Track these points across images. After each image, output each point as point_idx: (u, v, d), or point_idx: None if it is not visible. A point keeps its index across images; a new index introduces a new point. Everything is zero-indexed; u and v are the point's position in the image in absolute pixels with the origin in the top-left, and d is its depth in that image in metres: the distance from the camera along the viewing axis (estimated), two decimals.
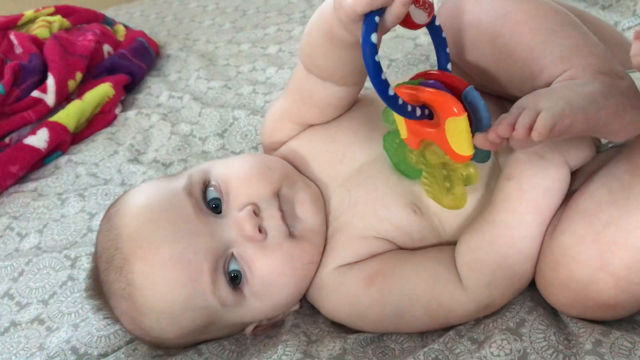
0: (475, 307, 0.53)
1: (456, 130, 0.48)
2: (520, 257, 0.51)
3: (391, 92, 0.46)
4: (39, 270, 0.78)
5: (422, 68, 0.93)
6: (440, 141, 0.50)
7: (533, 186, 0.51)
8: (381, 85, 0.45)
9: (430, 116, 0.50)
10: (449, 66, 0.54)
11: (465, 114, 0.47)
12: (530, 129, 0.44)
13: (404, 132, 0.54)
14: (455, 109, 0.47)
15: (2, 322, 0.73)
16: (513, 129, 0.44)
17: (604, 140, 0.61)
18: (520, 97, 0.57)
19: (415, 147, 0.53)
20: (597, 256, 0.47)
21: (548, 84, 0.51)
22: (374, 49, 0.44)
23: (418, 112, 0.49)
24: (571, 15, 0.55)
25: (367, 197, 0.59)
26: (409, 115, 0.48)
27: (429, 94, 0.49)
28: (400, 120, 0.53)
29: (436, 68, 0.54)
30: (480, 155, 0.51)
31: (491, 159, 0.58)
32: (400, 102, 0.47)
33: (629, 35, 0.80)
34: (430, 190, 0.55)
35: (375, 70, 0.44)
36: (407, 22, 0.48)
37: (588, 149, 0.53)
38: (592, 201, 0.49)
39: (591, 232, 0.48)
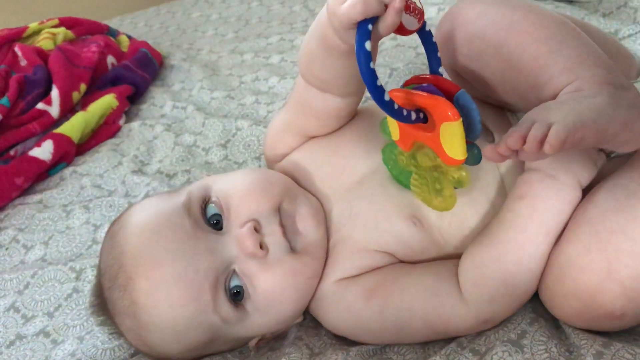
0: (475, 321, 0.53)
1: (451, 135, 0.48)
2: (527, 276, 0.51)
3: (387, 98, 0.46)
4: (44, 282, 0.79)
5: None
6: (433, 144, 0.51)
7: (547, 207, 0.51)
8: (377, 92, 0.45)
9: (425, 120, 0.50)
10: (441, 70, 0.54)
11: (460, 118, 0.48)
12: (542, 142, 0.44)
13: (396, 134, 0.54)
14: (450, 114, 0.48)
15: (8, 335, 0.74)
16: (524, 142, 0.44)
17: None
18: (524, 107, 0.58)
19: (406, 149, 0.54)
20: (604, 265, 0.47)
21: (554, 95, 0.51)
22: (368, 56, 0.45)
23: (413, 116, 0.49)
24: (574, 26, 0.55)
25: (368, 209, 0.59)
26: (404, 119, 0.49)
27: (424, 98, 0.49)
28: (392, 123, 0.54)
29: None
30: (471, 159, 0.52)
31: (496, 175, 0.58)
32: (396, 107, 0.47)
33: (630, 42, 0.80)
34: (420, 192, 0.55)
35: (370, 78, 0.45)
36: (399, 28, 0.49)
37: (594, 166, 0.53)
38: (598, 210, 0.49)
39: (597, 240, 0.48)
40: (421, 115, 0.50)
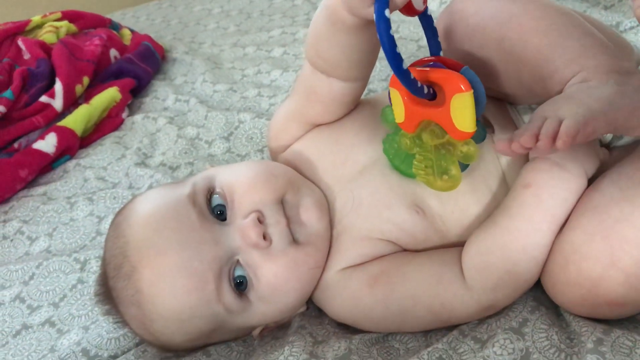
0: (478, 307, 0.53)
1: (461, 106, 0.49)
2: (530, 263, 0.52)
3: (404, 67, 0.47)
4: (49, 273, 0.80)
5: None
6: (443, 119, 0.51)
7: (552, 196, 0.52)
8: (395, 59, 0.46)
9: (433, 96, 0.51)
10: (441, 54, 0.56)
11: (472, 90, 0.49)
12: (554, 138, 0.44)
13: (401, 116, 0.54)
14: (462, 86, 0.49)
15: (14, 325, 0.74)
16: (537, 139, 0.45)
17: (607, 137, 0.62)
18: (529, 99, 0.58)
19: (411, 130, 0.55)
20: (608, 253, 0.47)
21: (560, 86, 0.52)
22: (388, 23, 0.46)
23: (425, 89, 0.50)
24: (576, 16, 0.56)
25: (370, 198, 0.59)
26: (417, 92, 0.50)
27: (436, 73, 0.51)
28: (398, 104, 0.54)
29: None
30: (476, 136, 0.53)
31: (497, 164, 0.58)
32: (412, 77, 0.48)
33: (631, 35, 0.80)
34: (423, 174, 0.56)
35: (390, 44, 0.46)
36: (408, 7, 0.50)
37: (597, 157, 0.54)
38: (603, 198, 0.50)
39: (602, 229, 0.48)
40: (431, 90, 0.51)
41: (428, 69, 0.51)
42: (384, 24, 0.45)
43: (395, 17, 1.10)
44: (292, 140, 0.66)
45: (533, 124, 0.46)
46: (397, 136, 0.57)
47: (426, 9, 0.52)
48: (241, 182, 0.59)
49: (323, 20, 0.55)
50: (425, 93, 0.50)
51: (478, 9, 0.57)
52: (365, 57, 0.57)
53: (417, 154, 0.56)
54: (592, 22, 0.64)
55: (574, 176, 0.52)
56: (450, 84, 0.49)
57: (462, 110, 0.49)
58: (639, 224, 0.47)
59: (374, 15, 0.46)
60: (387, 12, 0.45)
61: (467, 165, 0.56)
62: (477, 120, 0.52)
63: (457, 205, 0.57)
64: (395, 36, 1.02)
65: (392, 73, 0.50)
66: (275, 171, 0.60)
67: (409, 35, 1.02)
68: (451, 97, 0.49)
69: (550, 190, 0.52)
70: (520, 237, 0.52)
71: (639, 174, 0.50)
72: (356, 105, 0.65)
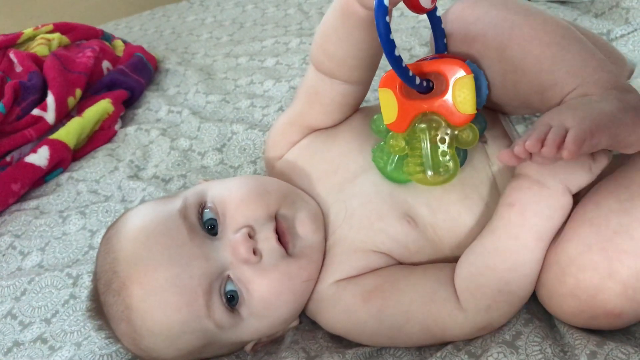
0: (472, 328, 0.53)
1: (463, 89, 0.51)
2: (522, 281, 0.52)
3: (397, 53, 0.48)
4: (41, 289, 0.79)
5: None
6: (443, 107, 0.52)
7: (536, 214, 0.52)
8: (389, 45, 0.47)
9: (428, 89, 0.53)
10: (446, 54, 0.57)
11: (472, 74, 0.51)
12: (559, 146, 0.45)
13: (392, 117, 0.55)
14: (463, 70, 0.51)
15: (5, 342, 0.74)
16: (541, 146, 0.45)
17: None
18: (525, 110, 0.58)
19: (402, 130, 0.55)
20: (606, 265, 0.47)
21: (559, 98, 0.52)
22: (385, 11, 0.47)
23: (418, 80, 0.51)
24: (575, 30, 0.56)
25: (362, 209, 0.59)
26: (410, 80, 0.51)
27: (435, 63, 0.52)
28: (389, 104, 0.54)
29: None
30: (478, 125, 0.54)
31: (488, 173, 0.58)
32: (404, 64, 0.49)
33: (621, 43, 0.80)
34: (418, 171, 0.55)
35: (385, 30, 0.47)
36: (414, 3, 0.51)
37: (587, 173, 0.52)
38: (600, 210, 0.50)
39: (599, 240, 0.48)
40: (424, 83, 0.52)
41: (426, 62, 0.52)
42: (382, 12, 0.47)
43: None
44: (288, 147, 0.67)
45: (539, 130, 0.46)
46: (387, 140, 0.57)
47: (435, 9, 0.53)
48: (233, 197, 0.58)
49: (335, 15, 0.56)
50: (418, 84, 0.51)
51: (478, 17, 0.57)
52: (370, 55, 0.58)
53: (408, 155, 0.56)
54: (584, 33, 0.64)
55: (555, 193, 0.52)
56: (450, 70, 0.51)
57: (464, 92, 0.51)
58: (637, 235, 0.47)
59: (374, 2, 0.47)
60: (386, 0, 0.47)
61: (464, 158, 0.56)
62: (478, 112, 0.53)
63: (448, 213, 0.57)
64: None
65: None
66: (268, 187, 0.60)
67: (401, 44, 1.02)
68: (453, 82, 0.51)
69: (534, 207, 0.52)
70: (510, 257, 0.52)
71: (634, 186, 0.50)
72: (355, 112, 0.66)
